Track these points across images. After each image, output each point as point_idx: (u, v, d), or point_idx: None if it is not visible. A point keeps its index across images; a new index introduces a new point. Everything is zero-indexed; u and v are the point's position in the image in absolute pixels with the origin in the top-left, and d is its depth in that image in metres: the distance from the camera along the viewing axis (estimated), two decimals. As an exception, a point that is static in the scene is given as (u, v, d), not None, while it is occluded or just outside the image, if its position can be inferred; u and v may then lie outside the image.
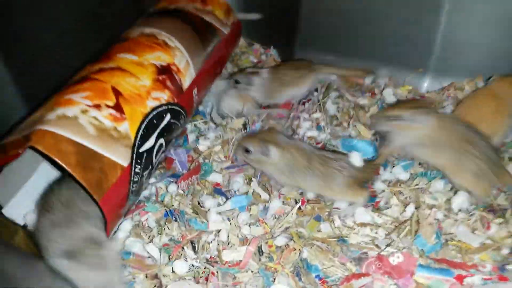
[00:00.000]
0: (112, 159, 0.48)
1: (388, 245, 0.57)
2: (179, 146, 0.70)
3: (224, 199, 0.61)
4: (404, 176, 0.66)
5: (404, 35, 0.79)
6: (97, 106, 0.50)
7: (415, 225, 0.59)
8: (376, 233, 0.59)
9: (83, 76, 0.54)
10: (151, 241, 0.56)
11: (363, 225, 0.59)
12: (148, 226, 0.59)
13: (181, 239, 0.57)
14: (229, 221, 0.59)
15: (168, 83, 0.58)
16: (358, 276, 0.53)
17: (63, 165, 0.44)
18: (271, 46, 0.93)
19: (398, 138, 0.63)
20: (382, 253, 0.55)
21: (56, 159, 0.44)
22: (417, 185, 0.65)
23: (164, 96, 0.57)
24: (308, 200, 0.63)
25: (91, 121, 0.48)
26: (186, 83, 0.62)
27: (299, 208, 0.61)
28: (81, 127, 0.47)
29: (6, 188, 0.53)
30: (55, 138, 0.45)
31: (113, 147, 0.49)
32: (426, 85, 0.82)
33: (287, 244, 0.57)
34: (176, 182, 0.63)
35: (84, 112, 0.49)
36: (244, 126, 0.74)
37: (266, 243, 0.56)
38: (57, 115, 0.47)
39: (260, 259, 0.55)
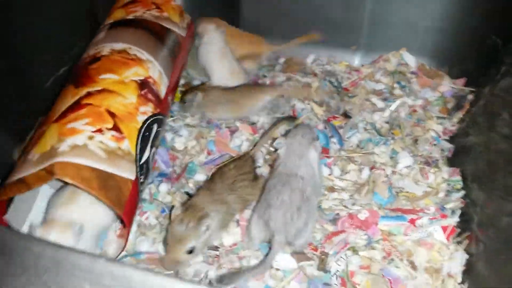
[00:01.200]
0: (123, 176, 0.58)
1: (353, 204, 0.73)
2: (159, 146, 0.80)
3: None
4: (354, 143, 0.83)
5: (337, 17, 0.94)
6: (100, 131, 0.59)
7: (372, 184, 0.76)
8: (342, 196, 0.76)
9: (75, 101, 0.61)
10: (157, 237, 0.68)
11: (331, 189, 0.76)
12: (150, 224, 0.70)
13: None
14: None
15: (150, 96, 0.68)
16: (336, 233, 0.70)
17: (90, 191, 0.53)
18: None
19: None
20: (351, 212, 0.72)
21: (83, 187, 0.53)
22: (365, 150, 0.82)
23: (149, 109, 0.67)
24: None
25: (99, 145, 0.57)
26: (162, 91, 0.72)
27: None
28: (92, 153, 0.56)
29: (18, 215, 0.61)
30: (76, 167, 0.54)
31: (121, 165, 0.59)
32: (359, 60, 0.99)
33: None
34: (163, 181, 0.74)
35: (90, 138, 0.57)
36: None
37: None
38: (69, 146, 0.55)
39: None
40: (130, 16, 0.78)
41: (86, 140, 0.56)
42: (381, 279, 0.64)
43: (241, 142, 0.82)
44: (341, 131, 0.85)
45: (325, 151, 0.82)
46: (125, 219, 0.56)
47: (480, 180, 0.72)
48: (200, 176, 0.76)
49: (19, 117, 0.72)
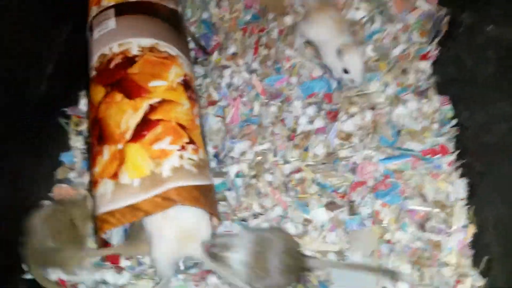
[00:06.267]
0: (209, 183, 0.92)
1: (364, 148, 1.16)
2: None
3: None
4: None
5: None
6: (183, 148, 0.88)
7: (375, 128, 1.19)
8: (354, 140, 1.17)
9: (144, 118, 0.88)
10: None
11: (346, 137, 1.16)
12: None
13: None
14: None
15: (193, 95, 0.97)
16: (358, 184, 1.10)
17: (202, 207, 0.87)
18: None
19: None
20: (363, 160, 1.13)
21: (197, 206, 0.87)
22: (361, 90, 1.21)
23: (197, 110, 0.96)
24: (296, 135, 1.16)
25: (189, 162, 0.88)
26: (194, 82, 1.02)
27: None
28: (189, 172, 0.87)
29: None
30: (186, 190, 0.85)
31: (206, 174, 0.90)
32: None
33: (303, 176, 1.12)
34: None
35: (181, 157, 0.88)
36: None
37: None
38: (170, 169, 0.85)
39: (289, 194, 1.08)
40: None
41: (180, 161, 0.86)
42: (402, 213, 1.09)
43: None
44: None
45: (328, 97, 1.20)
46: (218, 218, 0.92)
47: (468, 105, 1.12)
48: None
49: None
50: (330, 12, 1.14)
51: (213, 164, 1.09)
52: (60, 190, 1.11)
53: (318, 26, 1.14)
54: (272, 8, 1.33)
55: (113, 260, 0.98)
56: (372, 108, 1.18)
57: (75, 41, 1.13)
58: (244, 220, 1.05)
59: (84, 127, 1.20)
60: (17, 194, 1.00)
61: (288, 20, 1.33)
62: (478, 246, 0.99)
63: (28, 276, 0.96)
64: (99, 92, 0.94)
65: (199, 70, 1.23)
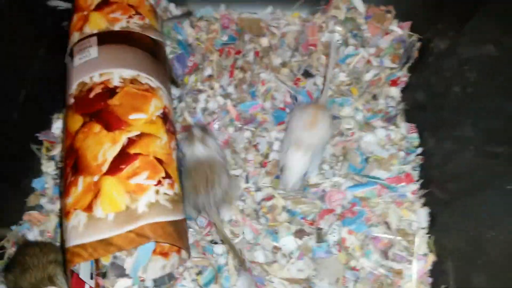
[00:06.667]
0: (184, 218, 0.97)
1: (334, 175, 1.23)
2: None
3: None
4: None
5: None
6: (159, 183, 0.93)
7: (346, 155, 1.26)
8: (324, 168, 1.24)
9: (122, 151, 0.92)
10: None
11: None
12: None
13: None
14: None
15: (171, 127, 1.01)
16: (327, 211, 1.18)
17: (174, 243, 0.93)
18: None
19: None
20: (333, 185, 1.20)
21: (170, 242, 0.92)
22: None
23: (174, 142, 1.01)
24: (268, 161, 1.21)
25: (165, 197, 0.93)
26: (172, 114, 1.07)
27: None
28: (164, 207, 0.92)
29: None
30: (160, 226, 0.90)
31: (180, 209, 0.95)
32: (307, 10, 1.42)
33: (273, 204, 1.19)
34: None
35: (157, 192, 0.93)
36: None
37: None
38: (146, 205, 0.89)
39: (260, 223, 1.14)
40: (116, 27, 1.06)
41: (156, 196, 0.91)
42: (367, 240, 1.17)
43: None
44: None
45: None
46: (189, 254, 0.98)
47: (435, 132, 1.19)
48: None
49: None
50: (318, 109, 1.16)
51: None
52: (30, 217, 1.15)
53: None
54: (248, 29, 1.38)
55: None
56: (342, 134, 1.25)
57: (48, 66, 1.19)
58: (214, 242, 1.12)
59: (56, 151, 1.24)
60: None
61: (265, 41, 1.38)
62: (436, 274, 1.07)
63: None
64: (76, 121, 0.98)
65: (174, 91, 1.27)
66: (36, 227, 1.15)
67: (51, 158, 1.23)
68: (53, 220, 1.12)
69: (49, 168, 1.22)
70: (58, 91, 1.10)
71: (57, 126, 1.24)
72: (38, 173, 1.21)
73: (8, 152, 1.10)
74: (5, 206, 1.09)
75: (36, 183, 1.21)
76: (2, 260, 1.08)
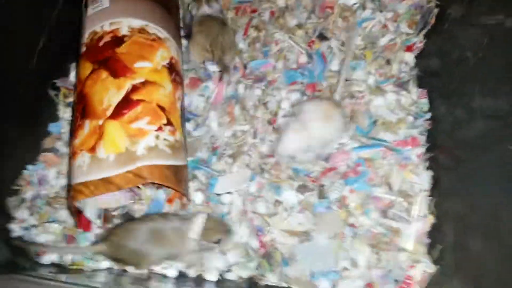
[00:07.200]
0: (184, 164, 1.01)
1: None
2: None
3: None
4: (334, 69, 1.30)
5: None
6: (160, 129, 0.98)
7: (354, 117, 1.27)
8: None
9: (125, 97, 0.97)
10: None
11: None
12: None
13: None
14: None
15: (177, 78, 1.05)
16: (330, 169, 1.20)
17: (173, 186, 0.97)
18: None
19: None
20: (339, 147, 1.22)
21: (167, 185, 0.96)
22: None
23: (180, 93, 1.05)
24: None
25: (164, 143, 0.98)
26: (181, 66, 1.10)
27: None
28: (163, 152, 0.97)
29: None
30: (158, 169, 0.94)
31: (180, 155, 1.00)
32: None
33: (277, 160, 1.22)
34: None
35: (157, 138, 0.97)
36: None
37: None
38: (145, 148, 0.94)
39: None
40: None
41: (155, 141, 0.96)
42: (367, 199, 1.18)
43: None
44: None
45: (311, 87, 1.28)
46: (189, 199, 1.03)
47: (445, 100, 1.20)
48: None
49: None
50: None
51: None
52: (45, 158, 1.22)
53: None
54: None
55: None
56: (352, 96, 1.25)
57: (66, 15, 1.23)
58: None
59: (72, 98, 1.29)
60: (4, 159, 1.11)
61: (281, 1, 1.40)
62: (434, 236, 1.09)
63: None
64: (86, 68, 1.03)
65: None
66: (51, 168, 1.21)
67: (68, 104, 1.29)
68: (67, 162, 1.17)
69: (65, 113, 1.28)
70: (76, 40, 1.15)
71: (74, 74, 1.26)
72: (55, 118, 1.27)
73: (27, 96, 1.16)
74: (22, 147, 1.14)
75: (52, 127, 1.27)
76: (16, 196, 1.14)
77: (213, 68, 1.30)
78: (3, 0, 1.00)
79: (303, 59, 1.32)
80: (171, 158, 0.97)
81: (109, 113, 0.96)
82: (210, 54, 1.22)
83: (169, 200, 1.08)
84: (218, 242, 0.99)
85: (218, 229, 0.99)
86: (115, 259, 1.01)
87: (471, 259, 0.93)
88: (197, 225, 0.96)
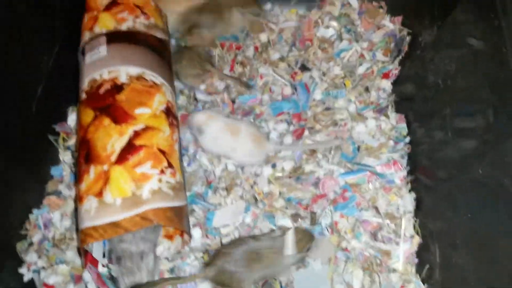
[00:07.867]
0: (184, 204, 1.07)
1: (327, 162, 1.31)
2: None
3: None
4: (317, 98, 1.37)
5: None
6: (162, 172, 1.03)
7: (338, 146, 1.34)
8: (318, 156, 1.33)
9: (128, 143, 1.02)
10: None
11: (311, 153, 1.31)
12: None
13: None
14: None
15: (173, 121, 1.10)
16: (320, 196, 1.27)
17: (175, 227, 1.02)
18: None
19: None
20: (326, 173, 1.29)
21: (171, 226, 1.02)
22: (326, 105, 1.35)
23: (177, 135, 1.10)
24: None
25: (167, 185, 1.03)
26: (176, 109, 1.16)
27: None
28: (166, 194, 1.02)
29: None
30: (162, 211, 0.99)
31: (181, 196, 1.05)
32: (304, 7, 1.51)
33: (270, 191, 1.28)
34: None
35: (160, 181, 1.03)
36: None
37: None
38: (149, 192, 0.99)
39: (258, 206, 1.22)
40: (123, 27, 1.15)
41: (158, 184, 1.01)
42: (357, 223, 1.25)
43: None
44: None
45: (298, 117, 1.35)
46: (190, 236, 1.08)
47: (422, 123, 1.26)
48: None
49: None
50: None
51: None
52: (49, 201, 1.25)
53: None
54: (250, 27, 1.46)
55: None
56: (335, 124, 1.32)
57: (62, 62, 1.27)
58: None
59: (72, 142, 1.33)
60: (10, 204, 1.14)
61: (264, 37, 1.47)
62: (421, 255, 1.14)
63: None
64: (88, 114, 1.08)
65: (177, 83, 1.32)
66: (55, 211, 1.24)
67: (67, 148, 1.33)
68: (71, 204, 1.19)
69: (65, 157, 1.31)
70: (72, 85, 1.20)
71: (72, 118, 1.31)
72: (56, 161, 1.31)
73: (29, 142, 1.19)
74: (26, 191, 1.17)
75: (54, 171, 1.30)
76: (24, 240, 1.18)
77: (203, 96, 1.37)
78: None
79: (287, 90, 1.38)
80: (173, 200, 1.02)
81: (113, 158, 0.99)
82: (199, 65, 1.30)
83: (170, 237, 1.11)
84: (308, 250, 1.06)
85: (306, 239, 1.05)
86: (220, 284, 1.06)
87: (456, 276, 0.99)
88: (291, 240, 1.03)
